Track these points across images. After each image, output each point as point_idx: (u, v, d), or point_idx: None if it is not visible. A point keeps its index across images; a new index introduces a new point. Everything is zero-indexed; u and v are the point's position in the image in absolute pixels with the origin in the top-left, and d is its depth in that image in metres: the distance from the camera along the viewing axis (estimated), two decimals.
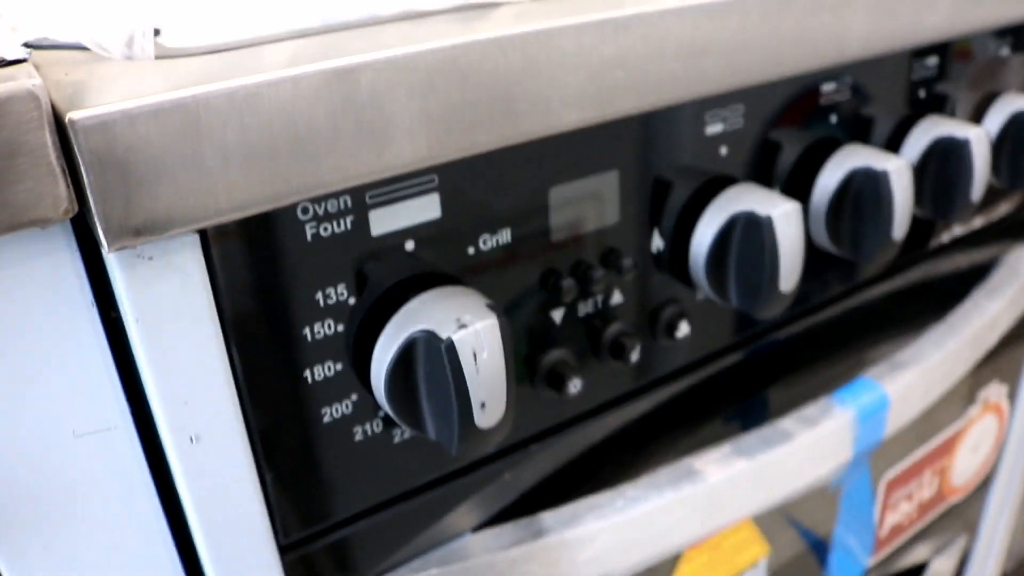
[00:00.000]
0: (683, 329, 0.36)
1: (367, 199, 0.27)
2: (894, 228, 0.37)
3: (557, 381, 0.33)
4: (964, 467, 0.64)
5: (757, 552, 0.50)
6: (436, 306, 0.28)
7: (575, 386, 0.33)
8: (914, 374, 0.44)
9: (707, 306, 0.38)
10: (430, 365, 0.27)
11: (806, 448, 0.40)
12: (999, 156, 0.46)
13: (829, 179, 0.38)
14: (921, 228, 0.48)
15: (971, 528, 0.71)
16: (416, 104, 0.25)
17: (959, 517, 0.67)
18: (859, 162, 0.37)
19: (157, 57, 0.25)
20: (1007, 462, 0.68)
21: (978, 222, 0.52)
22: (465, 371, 0.27)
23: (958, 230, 0.50)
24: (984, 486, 0.68)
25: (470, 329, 0.27)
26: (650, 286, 0.36)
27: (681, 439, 0.41)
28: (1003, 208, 0.53)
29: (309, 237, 0.27)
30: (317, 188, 0.25)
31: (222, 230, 0.25)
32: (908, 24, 0.39)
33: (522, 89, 0.27)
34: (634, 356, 0.34)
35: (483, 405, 0.27)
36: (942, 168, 0.42)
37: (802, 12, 0.34)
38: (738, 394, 0.43)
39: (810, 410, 0.41)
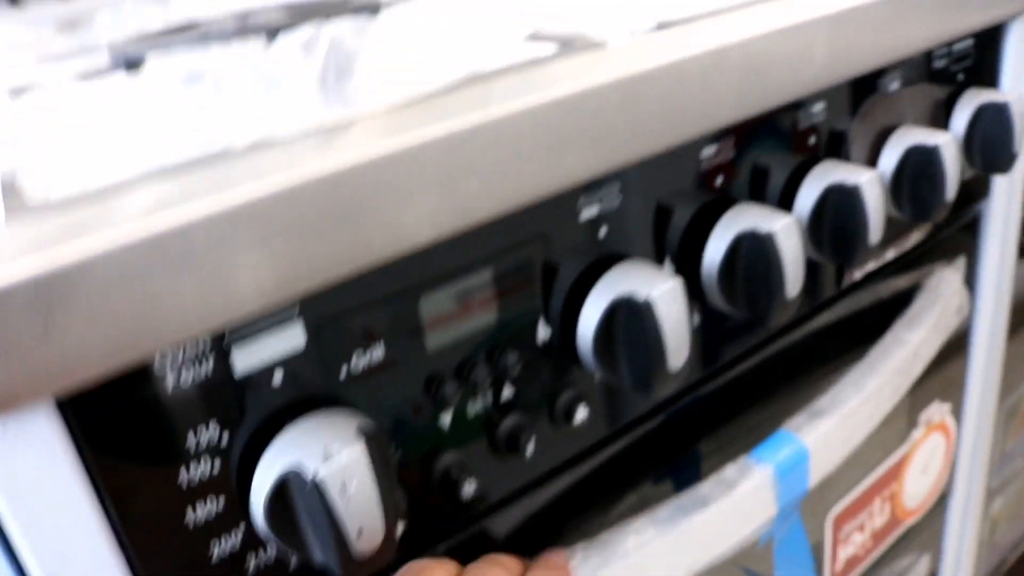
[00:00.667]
0: (581, 414, 0.37)
1: (226, 339, 0.28)
2: (786, 288, 0.38)
3: (450, 485, 0.33)
4: (916, 489, 0.64)
5: None
6: (305, 438, 0.28)
7: (470, 486, 0.33)
8: (833, 421, 0.44)
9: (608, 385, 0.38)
10: (302, 500, 0.27)
11: (727, 511, 0.40)
12: (900, 191, 0.47)
13: (717, 245, 0.38)
14: (830, 271, 0.49)
15: (935, 546, 0.71)
16: (257, 250, 0.26)
17: (920, 538, 0.68)
18: (745, 225, 0.38)
19: (8, 209, 0.25)
20: (961, 478, 0.69)
21: (891, 253, 0.52)
22: (335, 504, 0.27)
23: (871, 265, 0.51)
24: (941, 504, 0.68)
25: (336, 462, 0.27)
26: (541, 375, 0.36)
27: (607, 511, 0.42)
28: (916, 236, 0.54)
29: (170, 387, 0.27)
30: (167, 342, 0.25)
31: (79, 393, 0.25)
32: (783, 82, 0.40)
33: (371, 215, 0.28)
34: (529, 449, 0.35)
35: (359, 532, 0.27)
36: (837, 216, 0.42)
37: (666, 90, 0.35)
38: (660, 459, 0.43)
39: (729, 471, 0.41)
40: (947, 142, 0.46)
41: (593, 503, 0.40)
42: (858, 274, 0.50)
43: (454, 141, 0.29)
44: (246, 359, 0.28)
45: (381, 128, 0.30)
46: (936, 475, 0.68)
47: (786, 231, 0.38)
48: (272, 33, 0.35)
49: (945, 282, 0.55)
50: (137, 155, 0.28)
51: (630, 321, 0.34)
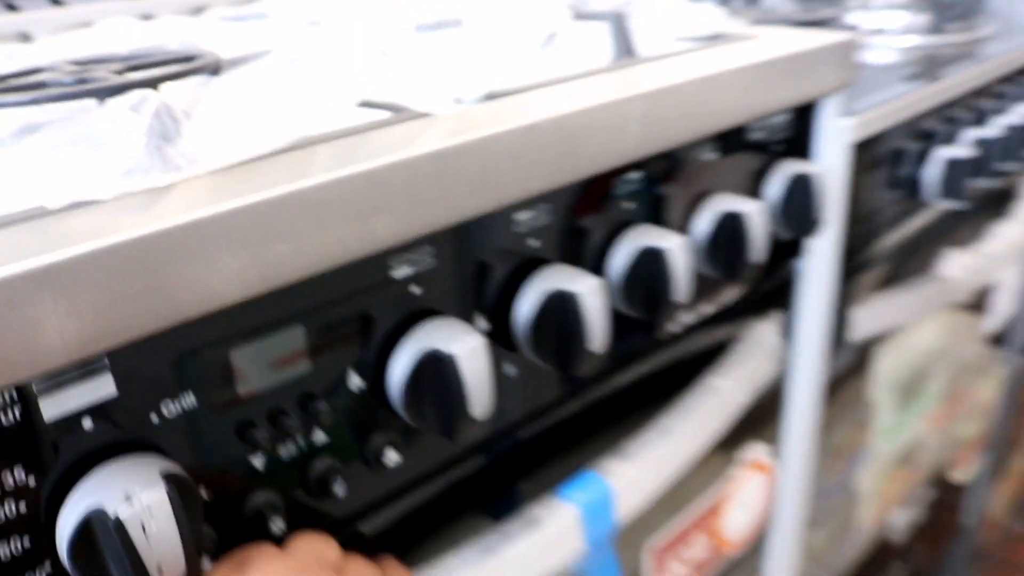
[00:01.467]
0: (392, 457, 0.40)
1: (34, 389, 0.30)
2: (592, 342, 0.42)
3: (261, 524, 0.36)
4: (737, 523, 0.70)
5: None
6: (109, 481, 0.30)
7: (277, 526, 0.36)
8: (640, 464, 0.49)
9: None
10: (105, 540, 0.30)
11: (535, 547, 0.44)
12: (713, 253, 0.52)
13: (527, 304, 0.42)
14: (643, 325, 0.53)
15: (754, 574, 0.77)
16: (63, 306, 0.28)
17: (745, 569, 0.73)
18: (553, 285, 0.42)
19: None
20: (780, 514, 0.74)
21: (711, 308, 0.58)
22: (136, 543, 0.29)
23: (691, 319, 0.56)
24: (766, 538, 0.74)
25: (137, 503, 0.29)
26: (354, 421, 0.39)
27: (422, 549, 0.45)
28: (734, 292, 0.59)
29: None
30: None
31: None
32: (596, 153, 0.44)
33: (179, 275, 0.30)
34: (339, 491, 0.38)
35: (159, 570, 0.30)
36: (647, 276, 0.47)
37: (479, 162, 0.39)
38: (479, 500, 0.47)
39: (536, 510, 0.45)
40: (755, 210, 0.52)
41: (411, 542, 0.43)
42: (679, 327, 0.55)
43: (263, 208, 0.32)
44: (54, 407, 0.30)
45: (197, 192, 0.32)
46: (756, 511, 0.73)
47: (591, 291, 0.42)
48: (108, 92, 0.38)
49: (759, 333, 0.60)
50: None
51: (436, 374, 0.38)
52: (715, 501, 0.66)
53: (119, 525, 0.29)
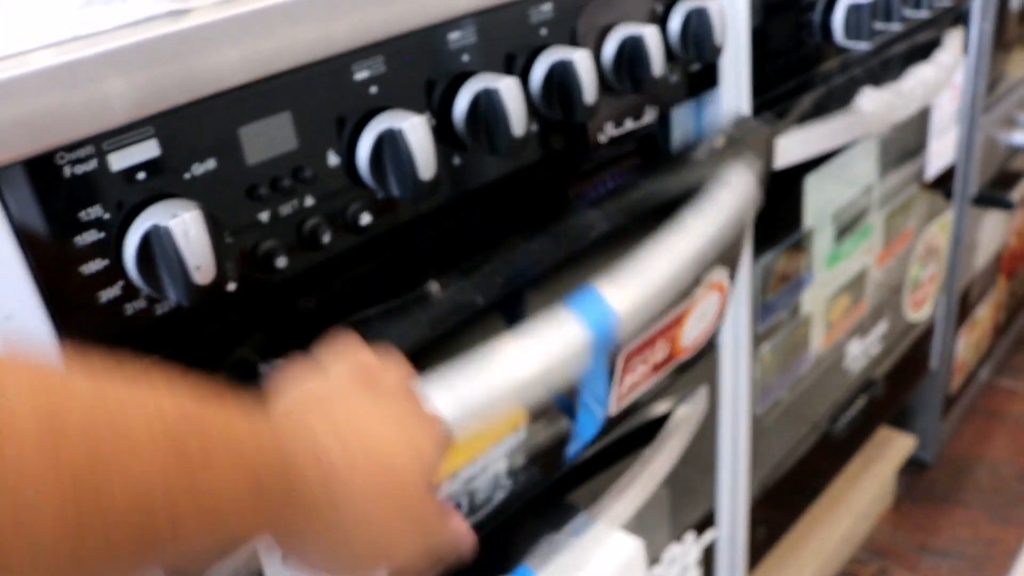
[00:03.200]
0: (365, 219, 0.54)
1: (104, 147, 0.44)
2: (512, 127, 0.56)
3: (268, 261, 0.51)
4: (692, 333, 0.84)
5: (516, 418, 0.70)
6: (158, 212, 0.45)
7: (281, 262, 0.51)
8: (641, 286, 0.63)
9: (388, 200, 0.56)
10: (158, 246, 0.44)
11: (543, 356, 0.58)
12: (620, 71, 0.66)
13: (462, 100, 0.57)
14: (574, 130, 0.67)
15: (712, 380, 0.92)
16: (122, 80, 0.42)
17: (694, 371, 0.88)
18: (482, 85, 0.56)
19: None
20: (732, 325, 0.89)
21: (630, 124, 0.71)
22: (179, 244, 0.44)
23: (613, 130, 0.70)
24: (712, 345, 0.89)
25: (179, 218, 0.44)
26: (335, 190, 0.53)
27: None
28: (650, 113, 0.73)
29: (68, 175, 0.44)
30: (62, 142, 0.42)
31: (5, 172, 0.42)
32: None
33: (198, 62, 0.45)
34: (326, 239, 0.52)
35: (198, 268, 0.45)
36: (561, 84, 0.61)
37: None
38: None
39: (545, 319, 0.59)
40: (651, 32, 0.65)
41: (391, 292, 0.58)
42: (604, 137, 0.69)
43: (256, 14, 0.46)
44: (118, 161, 0.45)
45: (209, 11, 0.47)
46: (709, 322, 0.88)
47: (509, 87, 0.56)
48: None
49: (736, 174, 0.74)
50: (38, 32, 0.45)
51: (390, 145, 0.52)
52: (680, 313, 0.81)
53: (167, 231, 0.44)
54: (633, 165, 0.78)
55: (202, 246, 0.45)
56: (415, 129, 0.52)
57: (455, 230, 0.62)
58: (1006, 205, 1.46)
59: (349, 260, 0.56)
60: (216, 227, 0.46)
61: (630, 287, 0.63)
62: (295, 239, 0.52)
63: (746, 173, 0.77)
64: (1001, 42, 1.37)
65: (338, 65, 0.52)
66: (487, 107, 0.56)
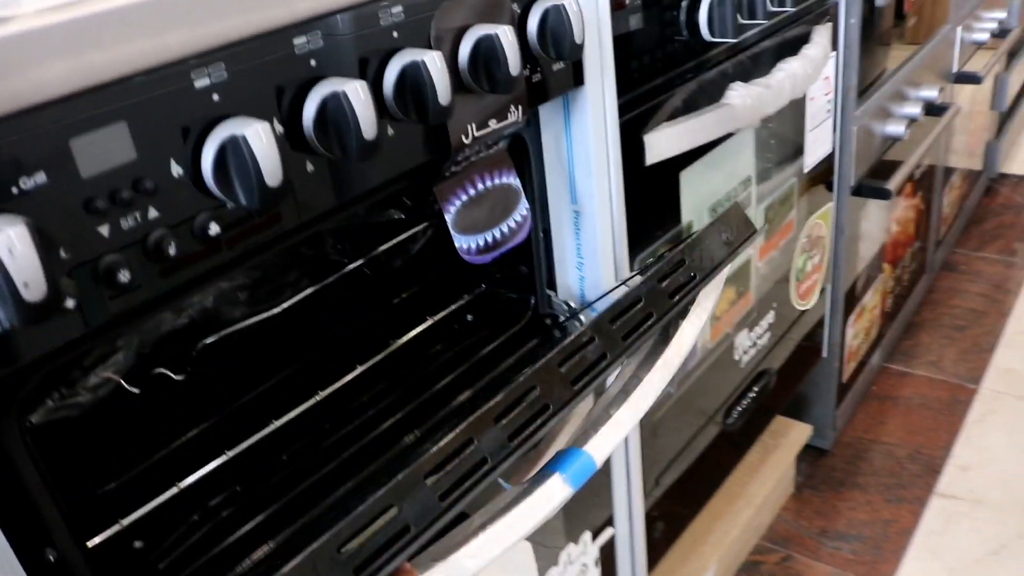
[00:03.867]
0: (214, 229, 0.54)
1: None
2: (363, 130, 0.57)
3: (111, 276, 0.50)
4: None
5: None
6: None
7: (124, 276, 0.50)
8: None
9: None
10: None
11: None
12: (476, 71, 0.67)
13: (311, 105, 0.57)
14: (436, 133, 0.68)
15: None
16: None
17: None
18: (330, 89, 0.56)
19: None
20: None
21: (494, 123, 0.72)
22: (4, 262, 0.43)
23: (477, 131, 0.71)
24: None
25: (4, 233, 0.43)
26: (180, 201, 0.53)
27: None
28: (514, 112, 0.74)
29: None
30: None
31: None
32: None
33: (21, 73, 0.44)
34: (172, 251, 0.52)
35: (26, 285, 0.44)
36: (413, 84, 0.61)
37: None
38: None
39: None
40: (506, 31, 0.66)
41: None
42: (468, 138, 0.70)
43: (80, 22, 0.45)
44: None
45: (32, 19, 0.46)
46: None
47: (356, 90, 0.56)
48: None
49: None
50: None
51: (234, 153, 0.52)
52: None
53: None
54: (505, 166, 0.79)
55: (30, 263, 0.44)
56: (258, 135, 0.52)
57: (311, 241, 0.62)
58: (883, 195, 1.53)
59: (199, 272, 0.55)
60: (47, 243, 0.45)
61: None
62: (140, 252, 0.52)
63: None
64: (873, 36, 1.43)
65: (175, 73, 0.52)
66: (335, 111, 0.57)
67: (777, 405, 1.47)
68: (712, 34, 0.93)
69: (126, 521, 0.66)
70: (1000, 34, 2.14)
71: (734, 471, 1.40)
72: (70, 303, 0.49)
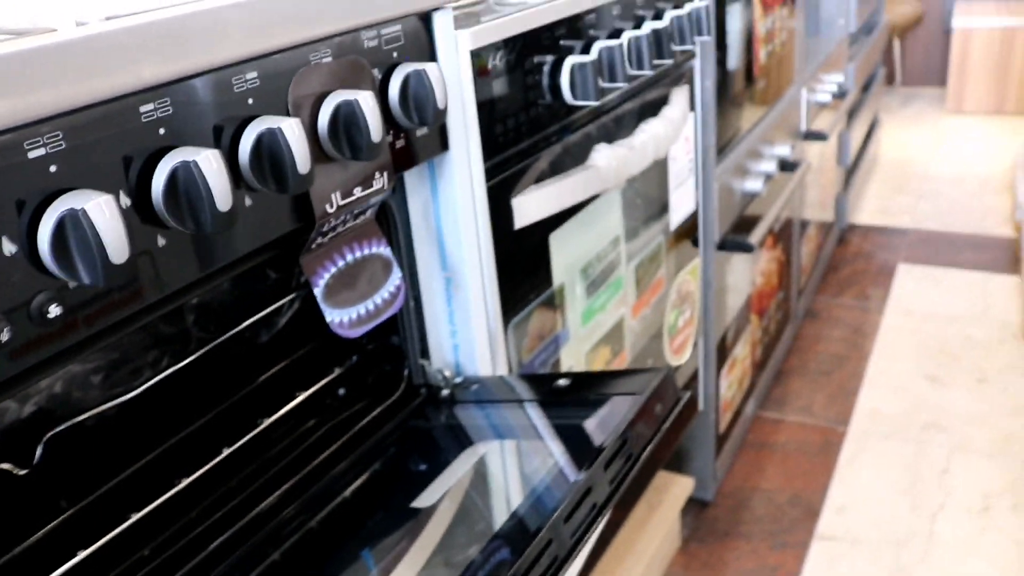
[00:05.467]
0: (54, 311, 0.50)
1: None
2: (216, 201, 0.54)
3: None
4: None
5: None
6: None
7: None
8: None
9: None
10: None
11: None
12: (337, 138, 0.65)
13: (159, 176, 0.53)
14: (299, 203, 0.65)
15: None
16: None
17: None
18: (180, 159, 0.53)
19: None
20: None
21: (359, 191, 0.70)
22: None
23: (340, 199, 0.69)
24: None
25: None
26: (15, 281, 0.48)
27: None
28: (380, 179, 0.72)
29: None
30: None
31: None
32: (201, 54, 0.56)
33: None
34: (4, 336, 0.47)
35: None
36: (270, 152, 0.59)
37: (88, 62, 0.49)
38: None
39: None
40: (366, 96, 0.65)
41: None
42: (331, 206, 0.67)
43: None
44: None
45: None
46: None
47: (208, 159, 0.53)
48: None
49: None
50: None
51: (74, 227, 0.48)
52: None
53: None
54: (374, 236, 0.77)
55: None
56: (100, 209, 0.48)
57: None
58: (747, 248, 1.57)
59: (41, 358, 0.51)
60: None
61: None
62: None
63: None
64: (727, 97, 1.49)
65: (7, 142, 0.48)
66: (187, 181, 0.53)
67: (665, 445, 1.47)
68: (575, 97, 0.94)
69: None
70: (840, 95, 2.27)
71: (620, 529, 1.39)
72: None
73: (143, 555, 0.68)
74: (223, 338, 0.80)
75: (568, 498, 0.66)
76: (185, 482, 0.72)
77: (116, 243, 0.49)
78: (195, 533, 0.70)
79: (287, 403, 0.82)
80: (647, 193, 1.25)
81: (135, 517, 0.68)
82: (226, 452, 0.75)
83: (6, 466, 0.65)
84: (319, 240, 0.70)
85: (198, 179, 0.53)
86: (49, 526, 0.66)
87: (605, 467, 0.71)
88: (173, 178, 0.54)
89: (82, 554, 0.65)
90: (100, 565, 0.65)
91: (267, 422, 0.80)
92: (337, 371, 0.88)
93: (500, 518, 0.76)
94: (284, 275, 0.84)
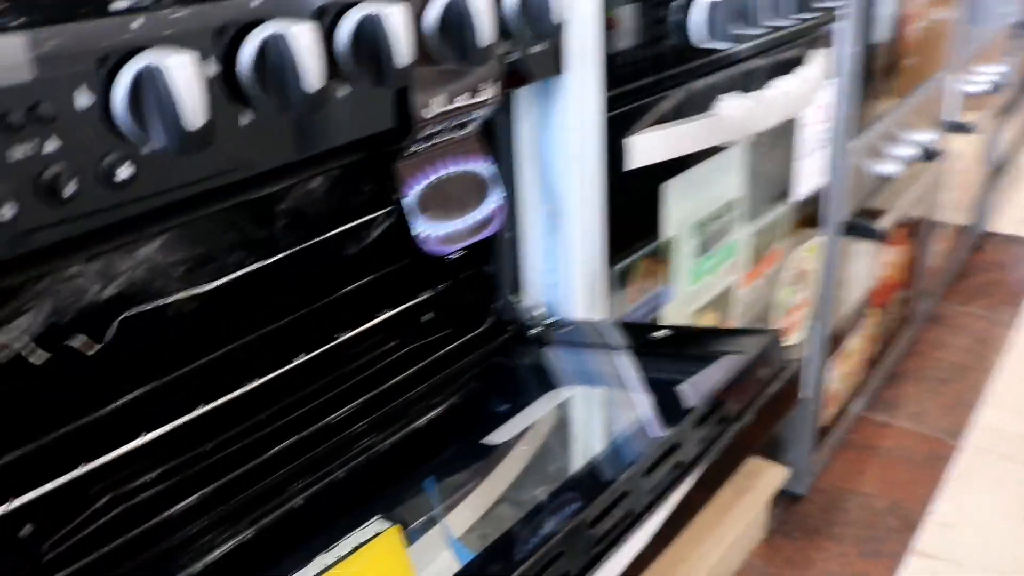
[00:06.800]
0: (124, 173, 0.47)
1: None
2: (305, 79, 0.50)
3: None
4: None
5: None
6: None
7: (7, 211, 0.43)
8: None
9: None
10: None
11: None
12: (445, 37, 0.60)
13: (249, 46, 0.50)
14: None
15: None
16: None
17: None
18: (272, 29, 0.50)
19: None
20: None
21: (468, 99, 0.66)
22: None
23: (442, 102, 0.64)
24: None
25: None
26: (86, 136, 0.46)
27: None
28: (488, 89, 0.68)
29: None
30: None
31: None
32: None
33: None
34: (68, 191, 0.45)
35: None
36: (370, 38, 0.55)
37: None
38: None
39: None
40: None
41: None
42: (431, 110, 0.63)
43: None
44: None
45: None
46: None
47: (302, 32, 0.50)
48: None
49: None
50: None
51: (151, 85, 0.45)
52: None
53: None
54: (475, 152, 0.72)
55: None
56: (181, 68, 0.45)
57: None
58: (877, 236, 1.47)
59: (105, 222, 0.48)
60: None
61: None
62: (30, 189, 0.45)
63: None
64: (869, 71, 1.38)
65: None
66: (276, 55, 0.50)
67: (753, 443, 1.40)
68: (703, 39, 0.87)
69: (16, 502, 0.58)
70: (994, 89, 2.10)
71: (702, 511, 1.32)
72: None
73: (204, 449, 0.66)
74: (310, 243, 0.77)
75: (651, 452, 0.60)
76: (254, 383, 0.69)
77: (192, 106, 0.45)
78: (258, 436, 0.67)
79: (369, 320, 0.79)
80: (772, 157, 1.17)
81: (201, 410, 0.65)
82: (300, 359, 0.72)
83: (78, 341, 0.64)
84: (416, 147, 0.66)
85: (288, 53, 0.50)
86: (113, 405, 0.64)
87: (695, 425, 0.65)
88: (263, 50, 0.50)
89: (144, 438, 0.63)
90: (159, 451, 0.64)
91: (346, 335, 0.77)
92: (425, 295, 0.84)
93: (576, 465, 0.71)
94: (379, 188, 0.80)
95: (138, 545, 0.57)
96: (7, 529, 0.58)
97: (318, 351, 0.74)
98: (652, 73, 0.86)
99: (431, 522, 0.63)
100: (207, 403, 0.66)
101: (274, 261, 0.76)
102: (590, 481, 0.65)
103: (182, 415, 0.65)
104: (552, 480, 0.68)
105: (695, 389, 0.72)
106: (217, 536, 0.58)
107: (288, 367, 0.71)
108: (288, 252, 0.77)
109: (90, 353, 0.65)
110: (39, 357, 0.63)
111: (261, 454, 0.65)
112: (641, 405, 0.72)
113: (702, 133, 0.90)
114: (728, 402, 0.69)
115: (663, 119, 0.89)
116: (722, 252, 1.08)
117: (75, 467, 0.60)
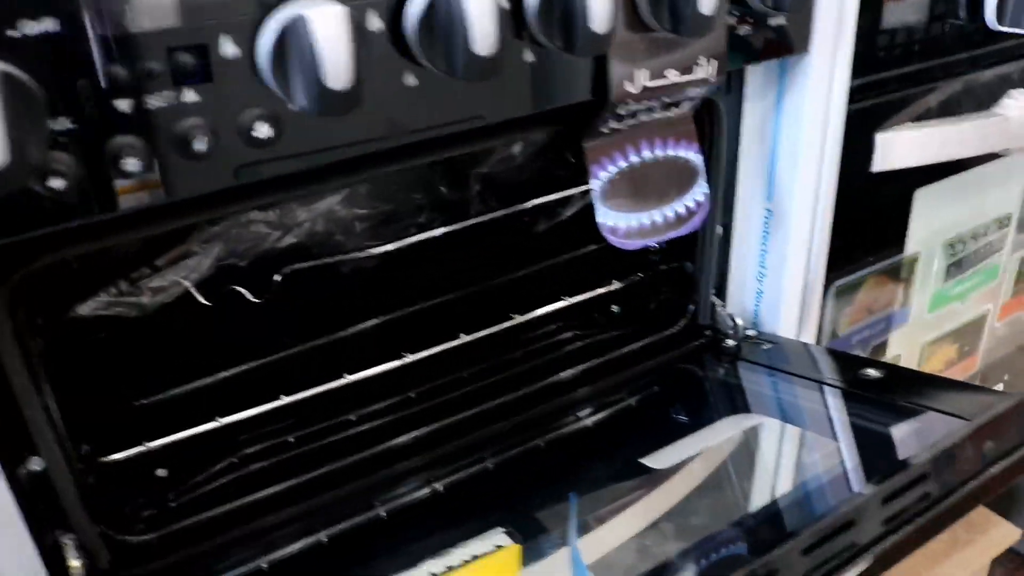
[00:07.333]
0: (263, 131, 0.43)
1: None
2: (474, 40, 0.43)
3: (116, 161, 0.40)
4: None
5: None
6: None
7: (134, 165, 0.40)
8: None
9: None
10: None
11: None
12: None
13: (415, 2, 0.44)
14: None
15: None
16: None
17: None
18: None
19: None
20: None
21: (674, 75, 0.56)
22: None
23: (647, 79, 0.55)
24: None
25: None
26: (227, 90, 0.42)
27: None
28: (706, 67, 0.58)
29: None
30: None
31: None
32: None
33: None
34: (202, 146, 0.41)
35: None
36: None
37: None
38: None
39: None
40: None
41: None
42: (635, 88, 0.55)
43: None
44: None
45: None
46: None
47: None
48: None
49: None
50: None
51: (295, 38, 0.40)
52: None
53: None
54: (684, 136, 0.63)
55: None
56: (326, 20, 0.39)
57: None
58: None
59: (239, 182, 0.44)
60: (29, 105, 0.35)
61: None
62: (164, 141, 0.41)
63: None
64: None
65: None
66: (445, 12, 0.43)
67: (983, 493, 1.22)
68: (1001, 22, 0.72)
69: (153, 444, 0.57)
70: None
71: (907, 558, 1.17)
72: (57, 183, 0.39)
73: (349, 419, 0.62)
74: (500, 213, 0.71)
75: (815, 527, 0.50)
76: (412, 358, 0.65)
77: (337, 63, 0.40)
78: (407, 413, 0.63)
79: (548, 304, 0.72)
80: None
81: (348, 379, 0.62)
82: (463, 338, 0.67)
83: (242, 289, 0.62)
84: (613, 125, 0.58)
85: (459, 10, 0.43)
86: (264, 360, 0.62)
87: (884, 502, 0.54)
88: (431, 7, 0.44)
89: (285, 399, 0.61)
90: (300, 416, 0.61)
91: (521, 318, 0.71)
92: (616, 285, 0.77)
93: (750, 505, 0.62)
94: (580, 165, 0.73)
95: (251, 512, 0.55)
96: (145, 468, 0.58)
97: (485, 331, 0.68)
98: (921, 58, 0.72)
99: (561, 540, 0.57)
100: (351, 373, 0.62)
101: (460, 228, 0.71)
102: (755, 534, 0.56)
103: (327, 382, 0.62)
104: (718, 516, 0.59)
105: (901, 448, 0.60)
106: (330, 517, 0.55)
107: (449, 345, 0.66)
108: (476, 220, 0.71)
109: (256, 301, 0.63)
110: (205, 299, 0.62)
111: (403, 433, 0.61)
112: (835, 453, 0.62)
113: (978, 135, 0.75)
114: (932, 475, 0.57)
115: (927, 114, 0.75)
116: (979, 276, 0.91)
117: (216, 418, 0.59)
